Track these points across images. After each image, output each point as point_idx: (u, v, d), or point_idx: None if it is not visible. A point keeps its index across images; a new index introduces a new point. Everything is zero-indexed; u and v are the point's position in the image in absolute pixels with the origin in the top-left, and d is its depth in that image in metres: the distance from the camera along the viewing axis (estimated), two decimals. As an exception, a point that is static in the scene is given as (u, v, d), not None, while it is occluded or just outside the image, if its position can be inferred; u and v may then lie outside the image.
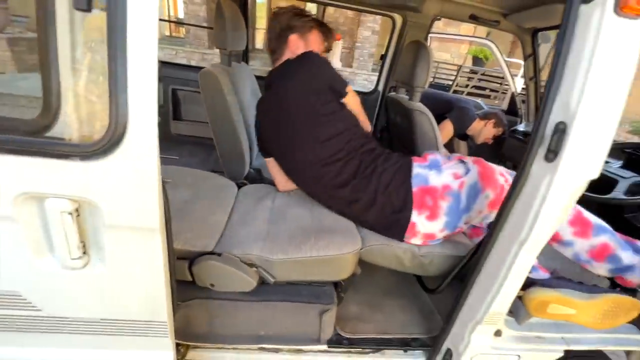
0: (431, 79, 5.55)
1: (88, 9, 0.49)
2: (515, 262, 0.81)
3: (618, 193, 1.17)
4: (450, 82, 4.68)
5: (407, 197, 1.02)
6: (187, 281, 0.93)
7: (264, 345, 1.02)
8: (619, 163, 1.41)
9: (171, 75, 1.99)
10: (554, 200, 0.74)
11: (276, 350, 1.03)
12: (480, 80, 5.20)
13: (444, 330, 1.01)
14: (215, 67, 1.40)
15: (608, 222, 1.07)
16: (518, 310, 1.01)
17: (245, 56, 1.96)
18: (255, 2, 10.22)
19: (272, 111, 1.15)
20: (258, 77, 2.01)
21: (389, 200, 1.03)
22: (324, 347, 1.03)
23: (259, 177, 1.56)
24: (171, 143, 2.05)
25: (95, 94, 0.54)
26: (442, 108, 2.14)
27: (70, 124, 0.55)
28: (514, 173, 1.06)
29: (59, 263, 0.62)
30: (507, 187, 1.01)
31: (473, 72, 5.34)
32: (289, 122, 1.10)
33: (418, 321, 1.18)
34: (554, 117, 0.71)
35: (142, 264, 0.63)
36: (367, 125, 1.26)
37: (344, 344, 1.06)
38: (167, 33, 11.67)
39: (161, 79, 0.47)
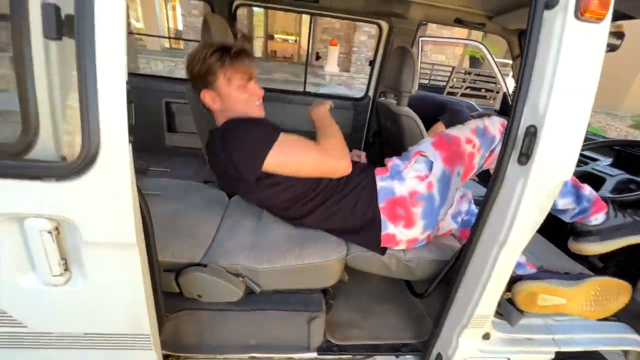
0: (426, 81, 5.56)
1: (58, 37, 0.51)
2: (496, 264, 0.81)
3: (605, 191, 1.17)
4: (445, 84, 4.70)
5: (375, 215, 1.00)
6: (175, 293, 0.95)
7: (254, 355, 1.02)
8: (609, 161, 1.41)
9: (164, 88, 2.03)
10: (529, 202, 0.74)
11: (267, 359, 1.04)
12: (475, 80, 5.21)
13: (433, 335, 1.01)
14: None
15: None
16: (509, 313, 1.01)
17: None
18: (252, 12, 10.37)
19: None
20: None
21: (359, 222, 1.01)
22: (314, 354, 1.04)
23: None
24: (166, 155, 2.08)
25: (69, 118, 0.56)
26: (436, 110, 2.15)
27: (46, 146, 0.57)
28: (481, 125, 1.06)
29: (41, 280, 0.64)
30: (475, 152, 1.03)
31: (467, 72, 5.35)
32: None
33: (409, 326, 1.18)
34: (525, 120, 0.73)
35: (122, 278, 0.65)
36: (321, 167, 0.98)
37: (334, 350, 1.06)
38: (167, 45, 11.86)
39: (131, 99, 0.48)
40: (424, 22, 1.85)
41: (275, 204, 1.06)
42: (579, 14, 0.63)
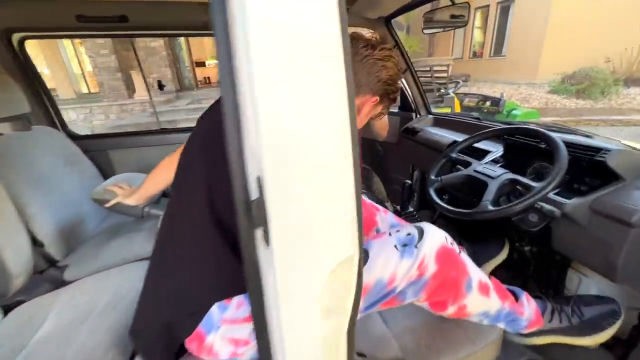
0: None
1: None
2: None
3: (486, 202, 0.89)
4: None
5: None
6: None
7: None
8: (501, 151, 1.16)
9: None
10: (298, 300, 0.42)
11: None
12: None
13: None
14: None
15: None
16: None
17: (57, 118, 1.58)
18: (174, 41, 9.77)
19: None
20: (84, 137, 1.63)
21: None
22: None
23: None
24: None
25: None
26: None
27: None
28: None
29: None
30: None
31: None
32: None
33: None
34: (251, 170, 0.40)
35: None
36: None
37: None
38: (85, 90, 10.88)
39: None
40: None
41: None
42: None
